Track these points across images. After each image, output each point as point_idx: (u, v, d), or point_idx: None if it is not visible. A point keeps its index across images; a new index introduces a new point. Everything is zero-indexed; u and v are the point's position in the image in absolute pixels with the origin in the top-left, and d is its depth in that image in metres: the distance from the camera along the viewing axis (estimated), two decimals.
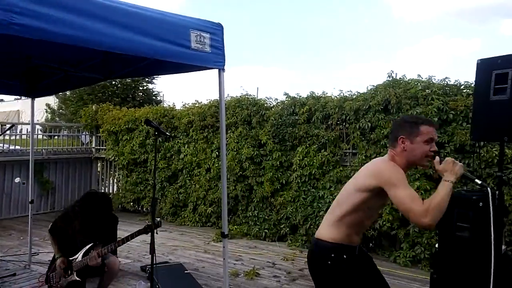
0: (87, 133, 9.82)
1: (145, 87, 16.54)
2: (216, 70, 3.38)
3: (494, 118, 3.47)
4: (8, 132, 7.60)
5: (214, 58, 3.25)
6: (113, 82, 15.04)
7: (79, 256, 3.59)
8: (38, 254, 5.44)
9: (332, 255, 2.11)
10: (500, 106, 3.41)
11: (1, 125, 9.24)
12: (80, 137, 9.93)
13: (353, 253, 2.17)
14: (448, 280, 3.66)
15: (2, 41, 3.45)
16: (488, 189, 2.16)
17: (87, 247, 3.59)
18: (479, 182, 2.18)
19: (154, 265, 3.32)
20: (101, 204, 3.72)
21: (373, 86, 5.92)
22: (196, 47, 3.09)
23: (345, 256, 2.13)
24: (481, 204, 3.50)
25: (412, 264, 5.07)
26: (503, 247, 3.97)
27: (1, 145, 8.46)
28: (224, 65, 3.34)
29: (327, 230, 2.18)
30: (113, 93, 14.94)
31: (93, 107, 9.75)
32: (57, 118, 19.13)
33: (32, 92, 5.16)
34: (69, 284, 3.61)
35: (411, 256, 5.09)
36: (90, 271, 3.61)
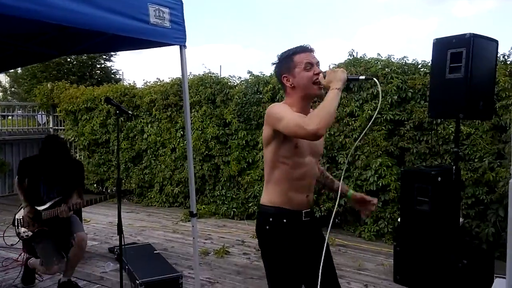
0: (43, 112, 9.41)
1: (103, 65, 15.99)
2: (177, 47, 3.27)
3: (450, 95, 3.60)
4: None
5: (174, 34, 3.15)
6: (68, 59, 14.45)
7: (46, 205, 3.57)
8: None
9: (271, 219, 1.98)
10: (455, 84, 3.55)
11: None
12: (36, 117, 9.51)
13: (297, 219, 2.01)
14: (410, 252, 3.82)
15: None
16: (375, 79, 2.04)
17: (56, 199, 3.58)
18: (363, 77, 2.14)
19: (123, 246, 3.24)
20: (58, 146, 3.63)
21: (335, 64, 5.96)
22: (155, 22, 2.97)
23: (285, 221, 1.98)
24: (439, 179, 3.65)
25: (376, 238, 5.27)
26: (461, 219, 4.17)
27: None
28: (185, 41, 3.25)
29: (265, 193, 2.06)
30: (69, 70, 14.35)
31: (48, 85, 9.32)
32: (9, 97, 18.27)
33: None
34: (37, 232, 3.58)
35: (375, 230, 5.28)
36: (58, 222, 3.58)
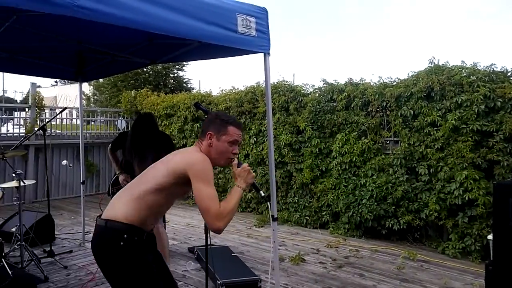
0: (122, 118, 10.03)
1: (175, 74, 16.74)
2: (260, 55, 3.36)
3: None
4: (58, 116, 7.87)
5: (259, 42, 3.25)
6: (145, 69, 15.30)
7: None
8: (90, 233, 5.64)
9: (125, 235, 1.98)
10: None
11: (50, 109, 9.56)
12: (116, 122, 10.15)
13: (142, 237, 2.06)
14: (505, 272, 3.55)
15: (57, 25, 3.58)
16: (268, 203, 2.46)
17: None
18: (263, 194, 2.35)
19: (203, 247, 3.36)
20: (145, 120, 3.87)
21: (414, 72, 5.80)
22: (242, 31, 3.09)
23: (136, 238, 2.02)
24: None
25: (462, 255, 4.96)
26: None
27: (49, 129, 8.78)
28: (269, 49, 3.33)
29: (121, 209, 2.04)
30: (145, 80, 15.18)
31: (132, 92, 9.95)
32: (92, 105, 19.69)
33: (80, 76, 5.32)
34: None
35: (461, 247, 4.98)
36: None
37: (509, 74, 5.14)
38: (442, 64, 5.60)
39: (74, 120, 9.73)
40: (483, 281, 3.78)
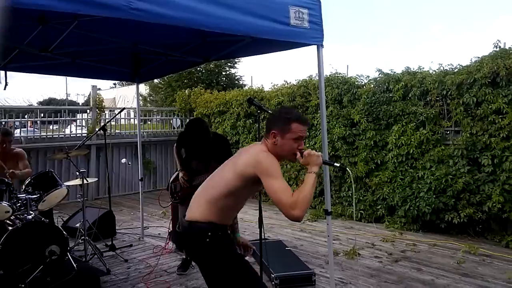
0: (177, 117, 10.33)
1: (227, 72, 16.98)
2: (312, 47, 3.32)
3: None
4: (117, 116, 8.28)
5: (313, 34, 3.20)
6: (198, 68, 15.64)
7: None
8: (148, 228, 5.94)
9: (209, 233, 2.13)
10: None
11: (110, 110, 10.06)
12: (171, 121, 10.47)
13: (226, 231, 2.25)
14: None
15: (114, 28, 3.78)
16: (348, 169, 2.39)
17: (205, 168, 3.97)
18: (337, 165, 2.36)
19: (257, 240, 3.41)
20: (196, 124, 3.98)
21: (478, 57, 5.49)
22: (295, 23, 3.06)
23: (220, 233, 2.17)
24: None
25: None
26: None
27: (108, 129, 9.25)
28: (322, 41, 3.27)
29: (201, 211, 2.18)
30: (198, 78, 15.55)
31: (186, 91, 10.23)
32: (148, 104, 20.50)
33: (136, 77, 5.55)
34: (186, 196, 3.98)
35: None
36: None
37: None
38: (509, 47, 5.25)
39: (132, 120, 10.17)
40: None
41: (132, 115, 12.11)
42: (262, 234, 3.34)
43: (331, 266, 3.48)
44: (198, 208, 2.21)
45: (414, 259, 4.54)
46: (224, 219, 2.21)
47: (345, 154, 6.60)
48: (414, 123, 5.83)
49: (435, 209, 5.32)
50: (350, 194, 6.56)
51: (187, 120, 10.19)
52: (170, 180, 4.32)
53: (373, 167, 6.25)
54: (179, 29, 2.56)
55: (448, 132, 5.73)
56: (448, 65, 5.82)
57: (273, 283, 3.78)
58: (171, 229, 5.01)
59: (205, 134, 3.99)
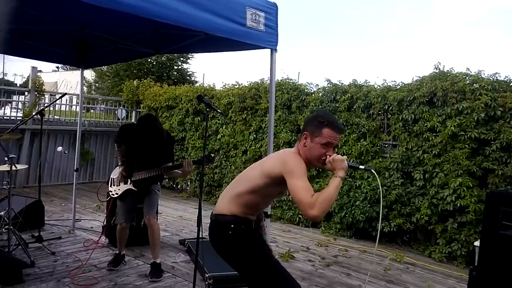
0: (123, 108, 10.02)
1: (180, 67, 16.73)
2: (266, 51, 3.37)
3: None
4: (58, 101, 7.85)
5: (267, 38, 3.26)
6: (149, 60, 15.29)
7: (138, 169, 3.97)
8: (80, 221, 5.69)
9: (232, 225, 2.23)
10: None
11: (50, 95, 9.54)
12: (116, 111, 10.14)
13: (250, 226, 2.31)
14: (488, 278, 3.59)
15: (62, 9, 3.59)
16: (372, 170, 2.35)
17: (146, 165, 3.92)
18: (362, 167, 2.32)
19: (194, 239, 3.38)
20: (150, 122, 3.88)
21: (419, 77, 5.79)
22: (251, 25, 3.10)
23: (243, 226, 2.25)
24: None
25: (448, 260, 5.01)
26: None
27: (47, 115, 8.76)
28: (276, 45, 3.34)
29: (225, 205, 2.29)
30: (149, 70, 15.19)
31: (135, 82, 9.94)
32: (93, 92, 19.72)
33: (82, 62, 5.31)
34: (126, 191, 3.99)
35: (447, 252, 5.02)
36: (145, 187, 4.00)
37: (511, 84, 5.17)
38: (447, 70, 5.59)
39: (74, 107, 9.72)
40: (465, 285, 3.82)
41: (74, 102, 11.56)
42: (200, 232, 3.31)
43: None
44: (224, 202, 2.31)
45: (345, 264, 4.71)
46: (247, 214, 2.28)
47: None
48: (356, 134, 6.07)
49: (368, 218, 5.56)
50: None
51: (133, 112, 9.94)
52: (111, 174, 4.19)
53: (315, 174, 6.42)
54: (131, 17, 2.48)
55: (386, 146, 6.01)
56: (392, 81, 6.12)
57: (206, 282, 3.76)
58: (105, 223, 4.85)
59: (158, 132, 3.91)
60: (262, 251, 2.27)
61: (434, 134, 5.30)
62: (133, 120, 9.95)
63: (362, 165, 2.31)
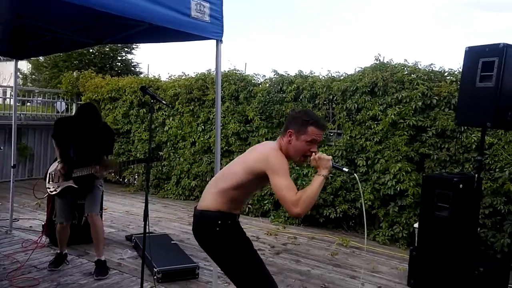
0: (62, 100, 9.55)
1: (124, 57, 16.17)
2: (212, 42, 3.34)
3: (478, 104, 3.62)
4: None
5: (212, 29, 3.22)
6: (91, 50, 14.63)
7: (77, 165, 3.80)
8: (18, 221, 5.39)
9: (219, 221, 2.26)
10: (485, 92, 3.57)
11: None
12: (55, 104, 9.65)
13: (235, 220, 2.37)
14: (426, 257, 3.84)
15: None
16: (355, 175, 2.56)
17: (86, 160, 3.77)
18: (346, 170, 2.38)
19: (141, 235, 3.32)
20: (91, 112, 3.72)
21: (361, 68, 6.00)
22: (196, 15, 3.05)
23: (229, 222, 2.30)
24: (461, 186, 3.68)
25: (390, 242, 5.28)
26: (478, 228, 4.19)
27: None
28: (222, 36, 3.31)
29: (211, 201, 2.31)
30: (90, 61, 14.51)
31: (74, 73, 9.49)
32: (29, 84, 18.61)
33: (17, 53, 4.98)
34: (66, 188, 3.83)
35: (390, 235, 5.29)
36: (86, 183, 3.83)
37: (445, 74, 5.45)
38: (387, 62, 5.82)
39: (8, 100, 9.12)
40: (407, 265, 4.07)
41: (8, 95, 10.85)
42: (147, 227, 3.25)
43: None
44: (208, 198, 2.33)
45: (294, 252, 4.83)
46: (232, 209, 2.32)
47: (238, 150, 6.75)
48: None
49: (315, 205, 5.72)
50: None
51: (74, 105, 9.50)
52: (49, 169, 3.99)
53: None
54: (70, 5, 2.36)
55: (332, 134, 6.19)
56: (336, 72, 6.30)
57: (155, 277, 3.72)
58: (46, 222, 4.62)
59: (95, 122, 3.77)
60: (247, 249, 2.33)
61: (375, 122, 5.53)
62: (73, 113, 9.51)
63: (346, 167, 2.40)
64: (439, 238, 3.77)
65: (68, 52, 11.85)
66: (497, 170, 4.63)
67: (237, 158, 2.43)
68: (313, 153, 2.26)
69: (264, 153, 2.23)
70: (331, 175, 5.69)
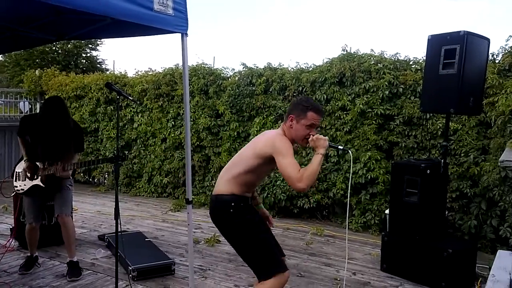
0: (26, 100, 9.22)
1: (88, 54, 15.78)
2: (175, 36, 3.29)
3: (442, 91, 3.72)
4: None
5: (177, 22, 3.15)
6: (53, 48, 14.24)
7: (44, 163, 3.70)
8: None
9: (232, 204, 2.47)
10: (448, 80, 3.67)
11: None
12: (18, 104, 9.30)
13: (248, 202, 2.58)
14: (397, 242, 3.94)
15: None
16: (350, 152, 2.82)
17: (53, 159, 3.65)
18: (341, 147, 2.69)
19: (114, 233, 3.25)
20: (59, 107, 3.60)
21: (329, 59, 6.06)
22: (159, 9, 2.99)
23: (242, 204, 2.50)
24: (428, 171, 3.78)
25: (363, 229, 5.39)
26: (446, 212, 4.32)
27: None
28: (187, 29, 3.24)
29: (225, 186, 2.52)
30: (53, 59, 14.11)
31: (37, 72, 9.17)
32: None
33: None
34: (33, 187, 3.71)
35: (362, 222, 5.41)
36: (54, 183, 3.73)
37: (411, 62, 5.58)
38: (354, 52, 5.91)
39: None
40: (379, 250, 4.17)
41: None
42: (119, 226, 3.18)
43: (190, 254, 3.50)
44: (223, 183, 2.52)
45: None
46: (245, 192, 2.51)
47: (209, 144, 6.71)
48: (274, 116, 6.21)
49: (289, 196, 5.77)
50: (214, 184, 6.71)
51: (37, 104, 9.19)
52: (15, 168, 3.84)
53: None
54: (28, 1, 2.26)
55: None
56: (304, 63, 6.35)
57: (130, 275, 3.66)
58: (14, 225, 4.47)
59: (65, 116, 3.65)
60: (258, 228, 2.50)
61: (345, 112, 5.61)
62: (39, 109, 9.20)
63: (341, 146, 2.68)
64: (409, 223, 3.88)
65: (29, 49, 11.43)
66: (462, 155, 4.80)
67: (246, 146, 2.65)
68: (311, 135, 2.48)
69: (270, 139, 2.45)
70: (303, 166, 5.74)
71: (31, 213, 3.76)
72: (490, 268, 1.06)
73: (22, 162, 3.82)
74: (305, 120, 2.47)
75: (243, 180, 2.49)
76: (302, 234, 5.24)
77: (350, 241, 4.96)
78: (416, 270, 3.75)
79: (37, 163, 3.71)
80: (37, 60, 13.85)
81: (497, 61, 4.87)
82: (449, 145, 4.70)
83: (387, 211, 4.68)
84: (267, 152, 2.41)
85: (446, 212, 4.50)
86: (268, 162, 2.44)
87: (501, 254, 1.20)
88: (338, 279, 3.83)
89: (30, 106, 9.30)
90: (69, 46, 14.41)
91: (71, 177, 3.92)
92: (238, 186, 2.48)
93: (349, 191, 2.88)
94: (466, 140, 4.80)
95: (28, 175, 3.70)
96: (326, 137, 2.47)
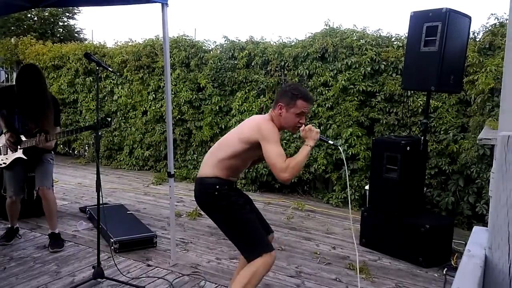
0: (1, 69, 8.93)
1: (66, 23, 15.23)
2: (157, 5, 3.20)
3: (423, 68, 3.74)
4: None
5: None
6: (29, 15, 13.69)
7: (24, 135, 3.64)
8: None
9: (217, 186, 2.45)
10: (429, 57, 3.68)
11: None
12: None
13: (232, 186, 2.56)
14: (376, 217, 4.03)
15: None
16: (339, 147, 2.77)
17: (33, 131, 3.58)
18: (331, 142, 2.68)
19: (96, 206, 3.23)
20: (35, 75, 3.49)
21: (311, 34, 6.00)
22: None
23: (226, 187, 2.49)
24: (408, 148, 3.84)
25: (343, 204, 5.49)
26: (424, 188, 4.43)
27: None
28: None
29: (209, 169, 2.49)
30: (29, 27, 13.56)
31: (12, 40, 8.84)
32: None
33: None
34: (15, 160, 3.66)
35: (343, 197, 5.49)
36: (35, 154, 3.69)
37: (393, 39, 5.58)
38: (336, 27, 5.86)
39: None
40: (359, 225, 4.26)
41: None
42: (101, 198, 3.15)
43: (172, 227, 3.54)
44: (208, 167, 2.49)
45: None
46: (229, 176, 2.49)
47: (191, 118, 6.65)
48: (256, 91, 6.17)
49: (271, 171, 5.80)
50: (195, 158, 6.69)
51: (14, 74, 8.90)
52: None
53: (218, 132, 6.46)
54: None
55: None
56: (287, 38, 6.28)
57: (112, 247, 3.67)
58: None
59: (42, 83, 3.53)
60: (243, 209, 2.48)
61: (327, 88, 5.60)
62: (13, 82, 8.92)
63: (331, 140, 2.69)
64: (388, 199, 3.96)
65: (3, 16, 10.95)
66: (441, 132, 4.88)
67: (232, 130, 2.60)
68: (303, 125, 2.47)
69: (257, 124, 2.42)
70: (284, 141, 5.77)
71: (11, 187, 3.71)
72: (466, 244, 1.09)
73: (2, 136, 3.72)
74: (294, 108, 2.45)
75: (228, 165, 2.47)
76: (283, 209, 5.31)
77: (330, 216, 5.06)
78: (394, 245, 3.85)
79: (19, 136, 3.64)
80: (12, 28, 13.32)
81: (477, 40, 4.91)
82: (429, 123, 4.76)
83: (367, 187, 4.76)
84: (252, 137, 2.39)
85: (425, 189, 4.61)
86: (253, 148, 2.42)
87: (477, 230, 1.23)
88: (318, 253, 3.92)
89: (6, 76, 9.02)
90: (45, 14, 13.87)
91: (52, 152, 3.85)
92: (223, 170, 2.46)
93: (348, 189, 2.92)
94: (446, 118, 4.87)
95: (11, 144, 3.61)
96: (318, 130, 2.49)
